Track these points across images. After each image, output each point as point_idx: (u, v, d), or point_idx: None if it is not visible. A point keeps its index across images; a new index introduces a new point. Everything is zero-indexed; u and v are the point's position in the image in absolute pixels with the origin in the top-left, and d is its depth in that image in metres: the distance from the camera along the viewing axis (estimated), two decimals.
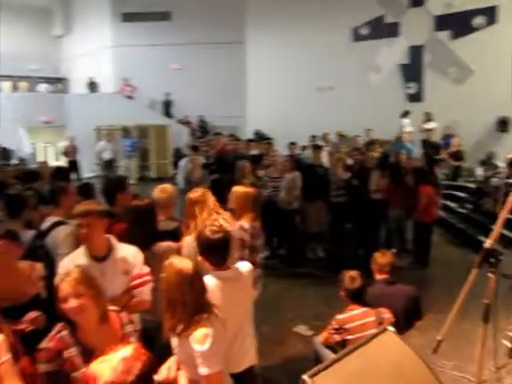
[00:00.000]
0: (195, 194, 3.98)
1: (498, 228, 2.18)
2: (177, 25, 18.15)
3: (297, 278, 7.25)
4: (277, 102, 16.09)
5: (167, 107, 18.14)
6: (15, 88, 20.32)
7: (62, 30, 21.23)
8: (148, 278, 3.08)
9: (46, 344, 2.36)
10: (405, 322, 3.85)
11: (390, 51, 14.13)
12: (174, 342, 2.52)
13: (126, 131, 15.00)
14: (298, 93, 15.57)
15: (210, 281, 2.77)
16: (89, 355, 2.26)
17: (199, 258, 2.80)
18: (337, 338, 3.70)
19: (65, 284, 2.34)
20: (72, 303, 2.30)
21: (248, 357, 3.08)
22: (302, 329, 5.43)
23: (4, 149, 9.08)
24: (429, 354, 2.74)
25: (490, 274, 2.12)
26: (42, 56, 20.41)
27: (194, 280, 2.43)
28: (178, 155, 13.82)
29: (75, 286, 2.32)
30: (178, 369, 2.53)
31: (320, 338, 3.91)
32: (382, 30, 14.26)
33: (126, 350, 1.70)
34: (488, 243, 2.15)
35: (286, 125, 14.43)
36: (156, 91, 17.71)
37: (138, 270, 3.07)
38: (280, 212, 7.83)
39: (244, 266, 3.08)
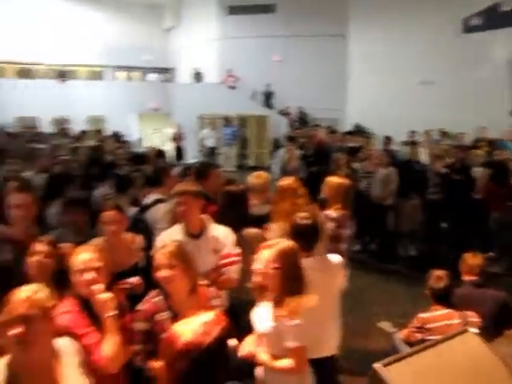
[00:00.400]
0: (285, 181, 4.12)
1: None
2: (280, 17, 18.38)
3: (385, 273, 7.15)
4: (377, 95, 15.73)
5: (268, 98, 18.48)
6: (129, 78, 21.92)
7: (171, 23, 22.42)
8: (237, 258, 3.27)
9: (142, 306, 2.66)
10: (492, 327, 3.70)
11: (504, 43, 13.15)
12: (259, 317, 2.69)
13: (227, 120, 15.58)
14: (400, 87, 15.07)
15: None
16: (177, 320, 2.52)
17: None
18: (418, 336, 3.65)
19: (160, 255, 2.60)
20: (164, 273, 2.55)
21: (329, 345, 3.17)
22: (385, 325, 5.38)
23: (116, 133, 9.95)
24: None
25: None
26: (152, 48, 21.72)
27: (296, 258, 2.63)
28: (276, 145, 14.09)
29: (169, 258, 2.57)
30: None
31: (401, 335, 3.89)
32: (496, 19, 13.30)
33: (207, 315, 1.89)
34: None
35: (385, 119, 14.07)
36: (258, 82, 18.11)
37: (228, 249, 3.28)
38: (373, 207, 7.73)
39: (333, 258, 3.19)
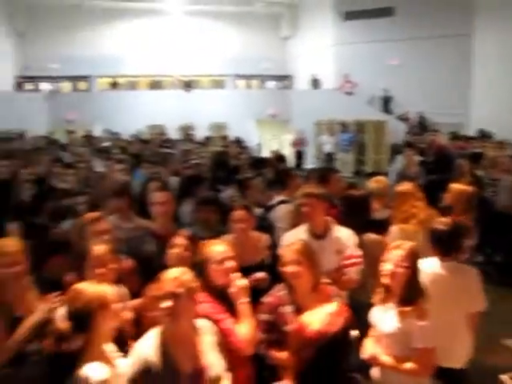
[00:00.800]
0: (404, 186, 4.14)
1: None
2: (399, 20, 17.97)
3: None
4: (506, 98, 14.67)
5: (386, 103, 18.13)
6: (248, 86, 22.83)
7: (288, 32, 22.93)
8: (359, 259, 3.36)
9: (267, 299, 2.86)
10: None
11: None
12: (383, 318, 2.76)
13: (344, 126, 15.57)
14: None
15: (429, 266, 2.99)
16: (300, 314, 2.69)
17: None
18: None
19: (288, 252, 2.78)
20: (291, 268, 2.72)
21: (458, 356, 3.13)
22: (511, 342, 5.08)
23: (238, 139, 10.48)
24: None
25: None
26: (270, 56, 22.40)
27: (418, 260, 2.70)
28: (395, 151, 13.78)
29: (297, 254, 2.74)
30: None
31: None
32: None
33: (331, 307, 2.02)
34: None
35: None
36: (375, 87, 17.86)
37: (350, 251, 3.39)
38: (498, 216, 7.28)
39: (470, 269, 3.19)
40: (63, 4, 20.29)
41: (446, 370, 2.96)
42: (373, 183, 4.47)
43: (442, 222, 3.20)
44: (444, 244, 3.12)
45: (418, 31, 17.21)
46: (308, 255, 2.78)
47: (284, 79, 23.21)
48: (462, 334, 3.13)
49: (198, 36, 21.60)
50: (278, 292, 2.87)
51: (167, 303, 2.15)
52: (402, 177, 8.16)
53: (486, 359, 4.76)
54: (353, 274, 3.33)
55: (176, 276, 2.22)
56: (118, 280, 2.93)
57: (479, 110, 16.13)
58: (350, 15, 19.02)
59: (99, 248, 2.86)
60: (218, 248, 2.80)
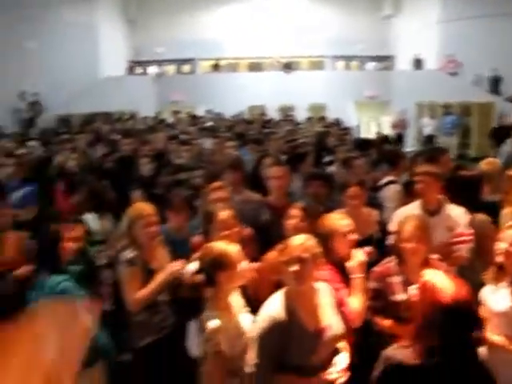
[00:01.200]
0: None
1: None
2: None
3: None
4: None
5: (494, 84, 17.03)
6: (347, 67, 22.52)
7: (391, 10, 22.12)
8: (469, 237, 3.39)
9: (376, 268, 3.02)
10: None
11: None
12: (495, 297, 2.76)
13: (447, 108, 14.91)
14: None
15: None
16: (407, 286, 2.82)
17: None
18: None
19: (408, 228, 2.88)
20: (410, 245, 2.83)
21: None
22: None
23: (337, 120, 10.52)
24: None
25: None
26: (370, 36, 21.81)
27: None
28: (500, 134, 12.99)
29: (417, 231, 2.86)
30: None
31: None
32: None
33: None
34: None
35: None
36: (482, 67, 16.84)
37: (461, 229, 3.43)
38: None
39: None
40: None
41: None
42: (484, 165, 4.38)
43: None
44: None
45: None
46: (425, 231, 2.88)
47: (384, 60, 22.55)
48: None
49: (297, 17, 21.62)
50: (388, 262, 3.01)
51: (295, 267, 2.36)
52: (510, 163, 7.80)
53: None
54: (463, 251, 3.37)
55: (301, 242, 2.42)
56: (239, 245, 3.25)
57: None
58: None
59: (224, 213, 3.17)
60: (342, 221, 2.97)
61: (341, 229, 2.93)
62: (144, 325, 3.11)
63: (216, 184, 3.66)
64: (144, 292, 2.98)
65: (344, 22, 21.71)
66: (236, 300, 2.67)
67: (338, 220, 2.99)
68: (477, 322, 2.08)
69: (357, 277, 2.86)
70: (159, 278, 3.02)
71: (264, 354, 2.36)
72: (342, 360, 2.48)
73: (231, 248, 2.61)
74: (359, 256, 2.90)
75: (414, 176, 3.62)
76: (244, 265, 2.61)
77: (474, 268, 3.21)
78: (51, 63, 15.80)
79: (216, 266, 2.51)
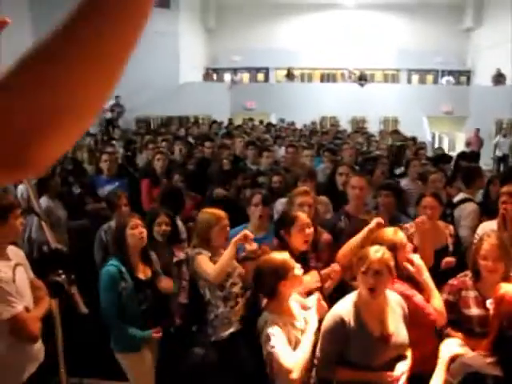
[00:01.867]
0: None
1: None
2: None
3: None
4: None
5: None
6: (422, 80, 22.07)
7: (472, 23, 21.46)
8: None
9: (451, 281, 3.08)
10: None
11: None
12: None
13: None
14: None
15: None
16: (481, 301, 2.87)
17: None
18: None
19: (489, 246, 2.90)
20: (490, 263, 2.84)
21: None
22: None
23: (413, 137, 10.39)
24: None
25: None
26: (448, 49, 21.27)
27: None
28: None
29: (498, 250, 2.86)
30: None
31: None
32: None
33: None
34: None
35: None
36: None
37: None
38: None
39: None
40: (247, 2, 21.88)
41: None
42: None
43: None
44: None
45: None
46: (504, 250, 2.90)
47: (461, 74, 21.91)
48: None
49: (371, 29, 21.50)
50: (463, 277, 3.06)
51: (371, 279, 2.52)
52: None
53: None
54: None
55: (380, 255, 2.58)
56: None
57: None
58: None
59: (304, 216, 3.34)
60: (400, 234, 3.02)
61: (402, 241, 2.99)
62: (221, 318, 3.30)
63: (301, 189, 3.84)
64: (219, 264, 3.16)
65: (421, 33, 21.32)
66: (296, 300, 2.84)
67: (397, 233, 3.03)
68: None
69: (425, 277, 2.92)
70: (227, 251, 3.18)
71: (327, 348, 2.61)
72: (402, 367, 2.60)
73: (287, 256, 2.76)
74: (416, 260, 2.96)
75: (498, 196, 3.63)
76: (297, 271, 2.74)
77: None
78: (135, 68, 16.62)
79: (278, 277, 2.64)
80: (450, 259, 3.36)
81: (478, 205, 4.49)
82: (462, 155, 6.97)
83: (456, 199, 4.59)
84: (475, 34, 21.53)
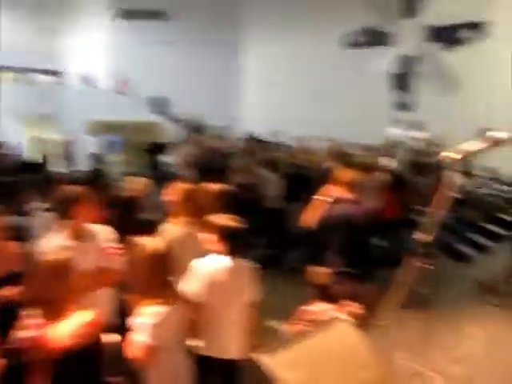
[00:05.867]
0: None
1: (435, 226, 2.38)
2: (172, 23, 18.29)
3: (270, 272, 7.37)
4: (269, 103, 16.34)
5: (160, 105, 18.29)
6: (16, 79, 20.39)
7: (56, 24, 21.14)
8: None
9: None
10: None
11: (380, 59, 14.37)
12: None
13: (112, 127, 15.21)
14: (292, 96, 15.76)
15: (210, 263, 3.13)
16: None
17: None
18: (304, 328, 3.83)
19: None
20: None
21: (234, 347, 3.28)
22: (274, 323, 5.54)
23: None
24: (384, 345, 2.89)
25: (424, 266, 2.30)
26: (39, 49, 20.37)
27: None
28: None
29: None
30: None
31: (287, 328, 4.07)
32: (374, 38, 14.54)
33: None
34: (426, 239, 2.33)
35: (277, 127, 14.61)
36: (150, 89, 17.90)
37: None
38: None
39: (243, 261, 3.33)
40: None
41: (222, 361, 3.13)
42: (135, 185, 4.41)
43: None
44: (232, 242, 3.22)
45: (190, 35, 17.73)
46: None
47: (54, 74, 21.36)
48: (241, 326, 3.29)
49: None
50: None
51: None
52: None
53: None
54: None
55: None
56: None
57: (246, 114, 17.60)
58: (126, 14, 18.62)
59: None
60: None
61: None
62: None
63: None
64: None
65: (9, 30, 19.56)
66: None
67: None
68: None
69: None
70: None
71: None
72: None
73: None
74: None
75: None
76: None
77: None
78: None
79: None
80: None
81: None
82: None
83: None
84: (65, 36, 21.35)
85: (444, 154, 2.29)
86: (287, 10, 16.03)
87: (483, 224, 9.15)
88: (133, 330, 2.66)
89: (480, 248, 7.99)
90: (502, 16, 12.12)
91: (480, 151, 2.28)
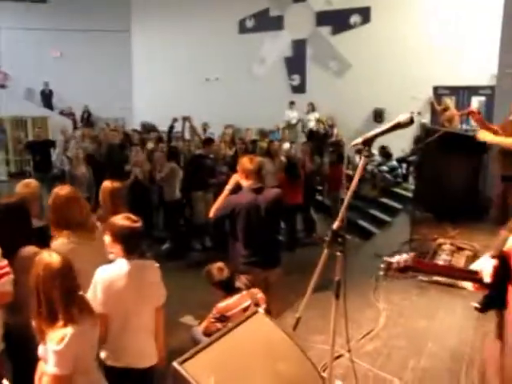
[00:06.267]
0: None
1: (343, 210, 2.35)
2: (53, 8, 16.98)
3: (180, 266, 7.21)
4: (164, 92, 15.90)
5: (47, 98, 17.03)
6: None
7: None
8: None
9: None
10: None
11: (274, 44, 14.54)
12: None
13: None
14: (186, 84, 15.45)
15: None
16: None
17: None
18: (219, 326, 3.70)
19: None
20: None
21: (145, 355, 3.03)
22: (188, 319, 5.38)
23: None
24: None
25: (338, 253, 2.27)
26: None
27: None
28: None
29: None
30: None
31: (201, 328, 3.92)
32: (266, 23, 14.62)
33: None
34: (335, 225, 2.30)
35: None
36: (34, 81, 16.60)
37: None
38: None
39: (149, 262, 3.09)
40: None
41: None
42: (23, 188, 4.00)
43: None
44: (130, 243, 2.93)
45: (75, 23, 16.56)
46: None
47: None
48: (152, 331, 3.07)
49: None
50: None
51: None
52: None
53: (167, 341, 4.90)
54: None
55: None
56: None
57: (140, 104, 16.99)
58: None
59: None
60: None
61: None
62: None
63: None
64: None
65: None
66: None
67: None
68: None
69: None
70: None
71: None
72: None
73: None
74: None
75: None
76: None
77: None
78: None
79: None
80: None
81: None
82: None
83: None
84: None
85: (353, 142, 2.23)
86: None
87: (382, 199, 9.62)
88: (40, 358, 2.34)
89: (380, 223, 8.38)
90: (379, 1, 12.76)
91: (382, 134, 2.23)
